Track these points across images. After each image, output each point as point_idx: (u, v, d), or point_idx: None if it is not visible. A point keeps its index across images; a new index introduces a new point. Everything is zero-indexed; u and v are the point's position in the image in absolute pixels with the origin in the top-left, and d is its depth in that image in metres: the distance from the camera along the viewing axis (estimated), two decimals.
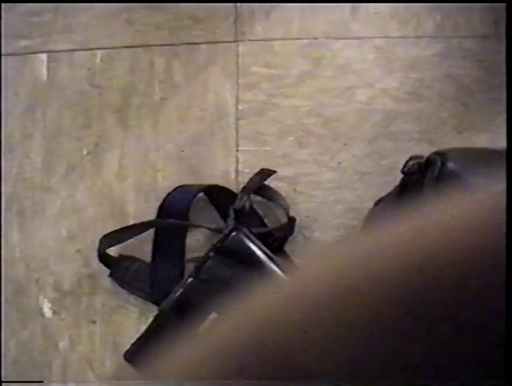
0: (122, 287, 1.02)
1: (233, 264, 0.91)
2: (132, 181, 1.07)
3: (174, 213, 1.02)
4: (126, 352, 0.94)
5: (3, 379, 0.98)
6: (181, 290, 0.91)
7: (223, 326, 0.31)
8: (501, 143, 0.59)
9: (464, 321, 0.23)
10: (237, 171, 1.05)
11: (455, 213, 0.26)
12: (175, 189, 1.03)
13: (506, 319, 0.22)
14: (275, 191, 1.02)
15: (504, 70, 1.00)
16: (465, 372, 0.22)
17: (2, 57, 1.13)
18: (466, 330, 0.23)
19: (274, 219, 1.03)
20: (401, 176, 0.83)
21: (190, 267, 0.97)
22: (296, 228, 1.01)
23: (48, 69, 1.12)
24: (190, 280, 0.92)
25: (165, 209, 1.02)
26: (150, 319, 0.95)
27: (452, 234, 0.25)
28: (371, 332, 0.24)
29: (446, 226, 0.26)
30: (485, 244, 0.23)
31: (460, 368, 0.23)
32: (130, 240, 1.03)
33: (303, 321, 0.26)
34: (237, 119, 1.06)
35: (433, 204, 0.28)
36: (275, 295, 0.30)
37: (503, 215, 0.23)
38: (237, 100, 1.07)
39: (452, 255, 0.24)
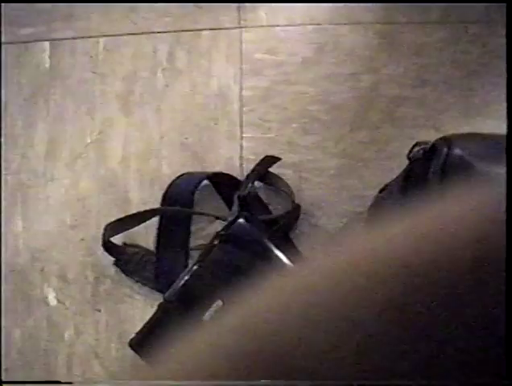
0: (127, 275, 1.02)
1: (238, 252, 0.91)
2: (136, 169, 1.06)
3: (178, 201, 1.02)
4: (131, 340, 0.94)
5: (3, 380, 0.99)
6: (186, 278, 0.91)
7: (227, 318, 0.30)
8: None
9: (467, 319, 0.23)
10: (241, 158, 1.04)
11: (457, 211, 0.26)
12: (179, 176, 1.03)
13: (507, 319, 0.22)
14: (280, 178, 1.02)
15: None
16: (466, 372, 0.22)
17: (4, 46, 1.12)
18: (471, 328, 0.22)
19: (278, 206, 1.02)
20: (406, 162, 0.82)
21: (195, 255, 0.98)
22: (301, 215, 1.01)
23: (51, 57, 1.12)
24: (195, 268, 0.91)
25: (169, 197, 1.02)
26: (155, 307, 0.94)
27: (453, 232, 0.25)
28: (374, 330, 0.24)
29: (448, 224, 0.25)
30: (487, 243, 0.23)
31: (461, 368, 0.22)
32: (135, 228, 1.02)
33: (305, 316, 0.26)
34: (241, 106, 1.06)
35: (438, 197, 0.28)
36: (278, 289, 0.29)
37: (504, 215, 0.23)
38: (241, 87, 1.07)
39: (454, 253, 0.24)
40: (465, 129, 0.98)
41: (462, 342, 0.22)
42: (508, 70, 0.91)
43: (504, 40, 1.02)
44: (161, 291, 0.98)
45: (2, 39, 1.12)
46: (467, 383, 0.22)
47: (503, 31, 1.03)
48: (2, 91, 1.11)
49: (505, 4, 1.03)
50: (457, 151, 0.74)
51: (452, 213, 0.26)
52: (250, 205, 0.96)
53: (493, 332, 0.22)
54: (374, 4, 1.07)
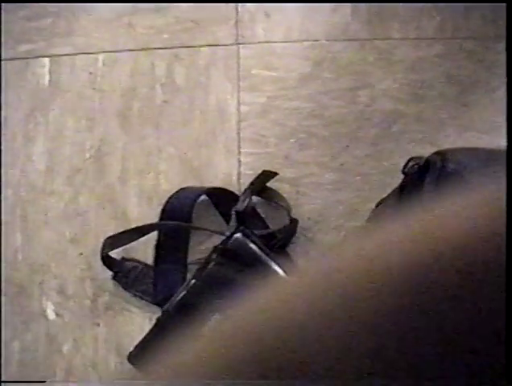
0: (125, 289, 1.03)
1: (235, 266, 0.91)
2: (134, 184, 1.07)
3: (176, 215, 1.02)
4: (130, 354, 0.95)
5: (3, 380, 0.99)
6: (184, 292, 0.92)
7: (225, 327, 0.31)
8: (503, 144, 0.59)
9: (463, 322, 0.23)
10: (239, 173, 1.05)
11: (454, 212, 0.26)
12: (177, 191, 1.03)
13: (506, 319, 0.22)
14: (277, 193, 1.02)
15: (503, 69, 1.00)
16: (472, 371, 0.23)
17: (4, 62, 1.13)
18: (466, 332, 0.23)
19: (276, 220, 1.03)
20: (402, 177, 0.83)
21: (193, 269, 0.98)
22: (298, 230, 1.01)
23: (50, 73, 1.13)
24: (193, 282, 0.92)
25: (167, 211, 1.02)
26: (154, 321, 0.95)
27: (452, 233, 0.25)
28: (371, 332, 0.24)
29: (446, 225, 0.26)
30: (486, 244, 0.23)
31: (467, 367, 0.23)
32: (133, 243, 1.03)
33: (303, 322, 0.26)
34: (239, 121, 1.07)
35: (433, 203, 0.28)
36: (277, 296, 0.30)
37: (503, 215, 0.23)
38: (239, 103, 1.07)
39: (453, 253, 0.24)
40: (461, 144, 0.99)
41: (461, 343, 0.23)
42: (508, 72, 0.92)
43: (499, 56, 1.03)
44: (159, 305, 0.98)
45: (2, 56, 1.13)
46: (467, 383, 0.22)
47: (498, 47, 1.04)
48: (2, 106, 1.12)
49: (500, 17, 1.04)
50: (451, 165, 0.74)
51: (447, 219, 0.26)
52: (248, 220, 0.97)
53: (493, 335, 0.22)
54: (370, 20, 1.07)
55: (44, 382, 1.00)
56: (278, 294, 0.30)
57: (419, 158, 0.79)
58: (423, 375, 0.23)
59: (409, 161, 0.81)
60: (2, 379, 1.02)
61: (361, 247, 0.29)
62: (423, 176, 0.75)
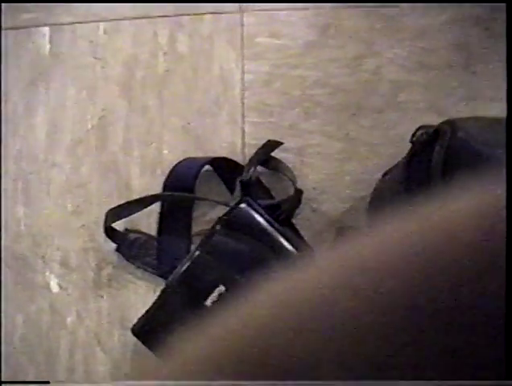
0: (129, 261, 1.02)
1: (240, 237, 0.90)
2: (137, 154, 1.06)
3: (180, 186, 1.01)
4: (134, 326, 0.94)
5: (3, 380, 0.99)
6: (188, 264, 0.91)
7: (223, 323, 0.30)
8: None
9: (466, 320, 0.23)
10: (243, 143, 1.04)
11: (456, 212, 0.26)
12: (180, 162, 1.03)
13: (506, 319, 0.22)
14: (282, 163, 1.01)
15: None
16: (469, 370, 0.22)
17: (4, 32, 1.12)
18: (470, 329, 0.22)
19: (281, 191, 1.02)
20: (409, 147, 0.81)
21: (197, 240, 0.97)
22: (303, 200, 1.00)
23: (51, 42, 1.11)
24: (197, 253, 0.91)
25: (171, 182, 1.02)
26: (158, 293, 0.94)
27: (454, 233, 0.25)
28: (373, 331, 0.24)
29: (448, 225, 0.25)
30: (487, 243, 0.23)
31: (464, 366, 0.22)
32: (136, 214, 1.02)
33: (302, 320, 0.26)
34: (243, 90, 1.05)
35: (437, 198, 0.28)
36: (276, 292, 0.29)
37: (504, 216, 0.23)
38: (243, 71, 1.06)
39: (455, 254, 0.24)
40: (469, 112, 0.98)
41: (462, 342, 0.22)
42: (508, 68, 0.91)
43: (506, 24, 1.01)
44: (163, 277, 0.98)
45: (2, 25, 1.12)
46: (467, 382, 0.22)
47: (505, 15, 1.02)
48: (2, 76, 1.10)
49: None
50: (461, 134, 0.73)
51: (454, 211, 0.26)
52: (252, 190, 0.96)
53: (494, 332, 0.22)
54: None
55: (48, 383, 1.01)
56: (281, 292, 0.29)
57: (428, 126, 0.78)
58: (423, 375, 0.23)
59: (418, 130, 0.80)
60: (2, 379, 1.02)
61: (361, 248, 0.28)
62: (432, 145, 0.74)
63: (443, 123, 0.77)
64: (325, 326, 0.25)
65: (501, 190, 0.25)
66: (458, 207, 0.26)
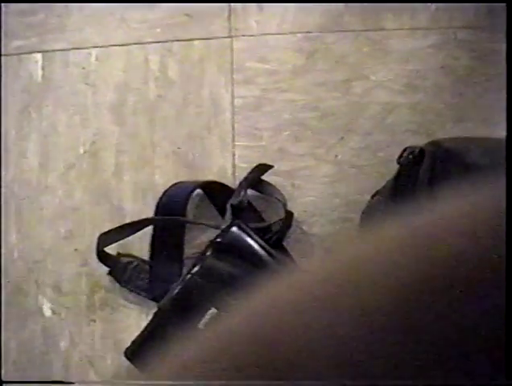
0: (121, 285, 1.02)
1: (231, 260, 0.91)
2: (129, 179, 1.07)
3: (171, 210, 1.02)
4: (127, 350, 0.94)
5: (3, 380, 0.98)
6: (180, 287, 0.91)
7: (222, 324, 0.30)
8: (499, 133, 0.59)
9: (463, 322, 0.23)
10: (233, 167, 1.05)
11: (449, 215, 0.26)
12: (172, 186, 1.03)
13: (506, 318, 0.22)
14: (272, 186, 1.02)
15: (498, 59, 1.00)
16: (467, 373, 0.22)
17: None
18: (466, 331, 0.23)
19: (271, 214, 1.02)
20: (397, 168, 0.82)
21: (189, 264, 0.97)
22: (294, 223, 1.01)
23: (43, 69, 1.12)
24: (189, 276, 0.91)
25: (162, 206, 1.02)
26: (150, 316, 0.94)
27: (441, 238, 0.25)
28: (368, 333, 0.24)
29: (436, 230, 0.26)
30: (482, 247, 0.24)
31: (462, 369, 0.23)
32: (129, 238, 1.02)
33: (299, 321, 0.26)
34: (233, 114, 1.06)
35: (427, 205, 0.28)
36: (273, 294, 0.30)
37: (502, 218, 0.23)
38: (233, 96, 1.07)
39: (443, 258, 0.24)
40: (456, 133, 0.99)
41: (461, 344, 0.23)
42: (508, 70, 0.92)
43: (493, 46, 1.03)
44: (155, 300, 0.98)
45: None
46: (468, 383, 0.22)
47: (491, 37, 1.04)
48: None
49: (494, 7, 1.03)
50: (446, 154, 0.74)
51: (443, 218, 0.26)
52: (243, 213, 0.97)
53: (493, 334, 0.22)
54: (364, 10, 1.07)
55: (52, 382, 1.00)
56: (273, 295, 0.30)
57: (414, 147, 0.79)
58: (423, 375, 0.23)
59: (404, 150, 0.81)
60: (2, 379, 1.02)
61: (354, 252, 0.29)
62: (418, 165, 0.75)
63: (428, 143, 0.78)
64: (314, 336, 0.25)
65: (486, 197, 0.25)
66: (445, 214, 0.26)
